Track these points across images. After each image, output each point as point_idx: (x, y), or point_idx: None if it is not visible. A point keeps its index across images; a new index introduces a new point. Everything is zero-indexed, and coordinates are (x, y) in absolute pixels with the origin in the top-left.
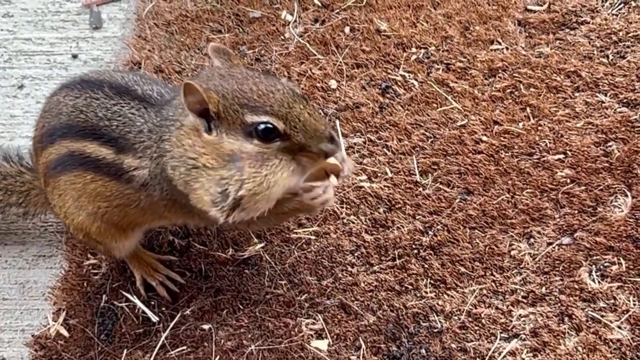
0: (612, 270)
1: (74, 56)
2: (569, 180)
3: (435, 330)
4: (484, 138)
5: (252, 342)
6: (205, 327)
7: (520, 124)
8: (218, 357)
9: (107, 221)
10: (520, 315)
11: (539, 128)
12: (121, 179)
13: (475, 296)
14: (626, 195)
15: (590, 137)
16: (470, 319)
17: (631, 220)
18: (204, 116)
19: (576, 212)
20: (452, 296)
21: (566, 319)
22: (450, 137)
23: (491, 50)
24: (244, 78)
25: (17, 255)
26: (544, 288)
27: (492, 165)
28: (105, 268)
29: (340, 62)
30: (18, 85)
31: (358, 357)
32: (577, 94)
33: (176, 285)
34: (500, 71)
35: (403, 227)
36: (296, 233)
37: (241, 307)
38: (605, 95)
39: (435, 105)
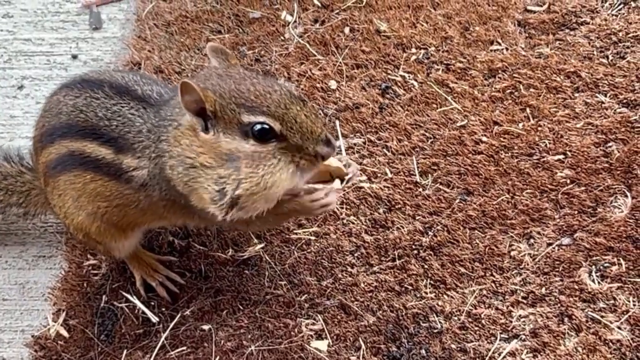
0: (612, 270)
1: (74, 57)
2: (568, 181)
3: (435, 331)
4: (484, 138)
5: (252, 343)
6: (205, 327)
7: (520, 125)
8: (218, 357)
9: (107, 221)
10: (520, 315)
11: (539, 128)
12: (120, 179)
13: (475, 297)
14: (626, 196)
15: (590, 137)
16: (470, 320)
17: (631, 220)
18: (201, 115)
19: (576, 212)
20: (452, 297)
21: (566, 319)
22: (450, 137)
23: (491, 50)
24: (241, 78)
25: (17, 255)
26: (543, 288)
27: (492, 165)
28: (105, 268)
29: (340, 62)
30: (18, 86)
31: (358, 357)
32: (577, 95)
33: (176, 285)
34: (500, 72)
35: (403, 228)
36: (296, 234)
37: (241, 307)
38: (605, 96)
39: (435, 105)
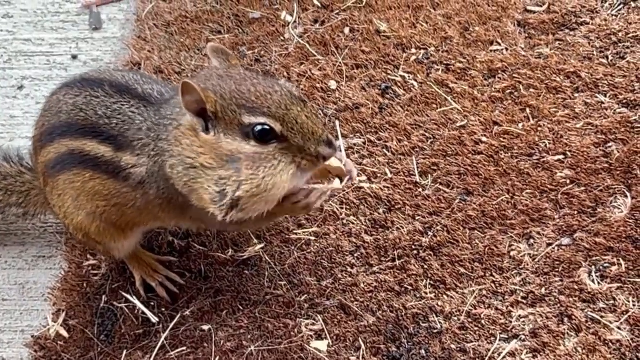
0: (611, 271)
1: (74, 57)
2: (568, 181)
3: (435, 331)
4: (484, 139)
5: (251, 343)
6: (205, 327)
7: (520, 125)
8: (218, 357)
9: (106, 221)
10: (520, 316)
11: (539, 129)
12: (118, 177)
13: (475, 297)
14: (626, 196)
15: (590, 137)
16: (470, 320)
17: (631, 221)
18: (201, 116)
19: (576, 212)
20: (451, 297)
21: (566, 319)
22: (450, 137)
23: (491, 51)
24: (242, 79)
25: (17, 256)
26: (543, 289)
27: (491, 166)
28: (105, 269)
29: (340, 62)
30: (18, 86)
31: (358, 357)
32: (576, 95)
33: (176, 286)
34: (499, 72)
35: (403, 228)
36: (296, 234)
37: (241, 307)
38: (605, 96)
39: (435, 106)
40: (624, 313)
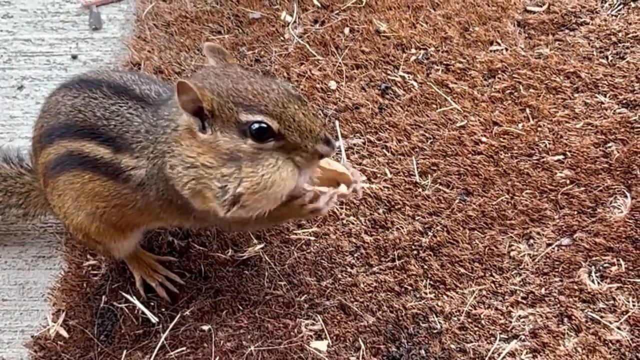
0: (611, 271)
1: (74, 57)
2: (568, 181)
3: (435, 331)
4: (484, 139)
5: (251, 343)
6: (205, 328)
7: (520, 125)
8: (218, 357)
9: (106, 221)
10: (519, 316)
11: (539, 129)
12: (118, 179)
13: (475, 297)
14: (625, 196)
15: (590, 138)
16: (469, 320)
17: (630, 221)
18: (198, 115)
19: (575, 213)
20: (451, 297)
21: (565, 319)
22: (449, 138)
23: (490, 51)
24: (239, 77)
25: (17, 256)
26: (543, 289)
27: (491, 166)
28: (104, 269)
29: (340, 63)
30: (18, 86)
31: (357, 358)
32: (576, 95)
33: (176, 286)
34: (499, 72)
35: (402, 228)
36: (296, 234)
37: (241, 308)
38: (605, 96)
39: (434, 106)
40: (624, 313)
